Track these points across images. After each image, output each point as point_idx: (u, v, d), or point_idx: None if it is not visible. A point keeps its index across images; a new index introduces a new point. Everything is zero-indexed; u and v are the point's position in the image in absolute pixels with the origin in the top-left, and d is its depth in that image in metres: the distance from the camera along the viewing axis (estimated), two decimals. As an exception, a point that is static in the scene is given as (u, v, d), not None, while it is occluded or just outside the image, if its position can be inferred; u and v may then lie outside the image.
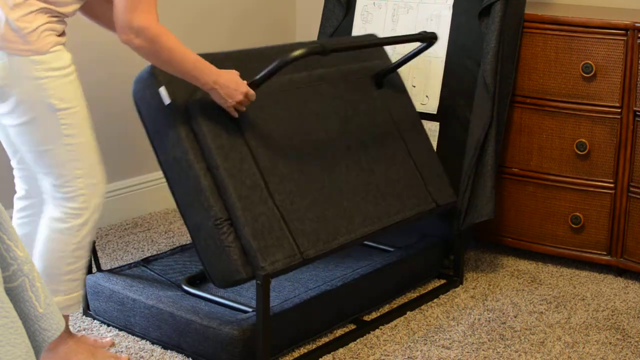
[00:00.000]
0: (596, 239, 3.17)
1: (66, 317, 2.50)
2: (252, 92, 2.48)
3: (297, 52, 2.50)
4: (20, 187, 2.54)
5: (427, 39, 2.95)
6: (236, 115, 2.51)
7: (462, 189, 3.06)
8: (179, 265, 2.91)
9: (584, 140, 3.10)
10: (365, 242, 3.08)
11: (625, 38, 2.98)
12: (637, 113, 3.00)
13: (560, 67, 3.11)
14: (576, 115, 3.11)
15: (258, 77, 2.51)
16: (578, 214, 3.17)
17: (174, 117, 2.45)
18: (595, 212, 3.15)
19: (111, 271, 2.82)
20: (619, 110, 3.04)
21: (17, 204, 2.56)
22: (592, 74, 3.04)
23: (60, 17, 2.30)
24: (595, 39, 3.04)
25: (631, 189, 3.07)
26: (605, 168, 3.09)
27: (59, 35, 2.30)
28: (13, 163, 2.51)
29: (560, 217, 3.21)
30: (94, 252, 2.78)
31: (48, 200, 2.40)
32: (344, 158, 2.77)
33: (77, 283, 2.45)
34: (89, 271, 2.78)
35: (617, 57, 3.00)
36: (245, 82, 2.48)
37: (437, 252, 3.12)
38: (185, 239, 3.45)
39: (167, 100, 2.44)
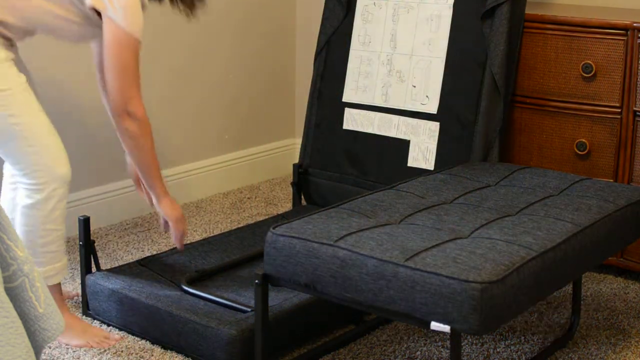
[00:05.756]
0: (596, 239, 3.17)
1: (57, 287, 2.64)
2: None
3: None
4: None
5: None
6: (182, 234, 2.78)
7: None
8: (178, 265, 2.91)
9: (584, 140, 3.10)
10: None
11: (625, 38, 2.98)
12: (637, 113, 3.00)
13: (560, 67, 3.11)
14: (576, 115, 3.11)
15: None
16: (578, 214, 3.17)
17: None
18: (595, 212, 3.15)
19: (111, 271, 2.82)
20: (619, 110, 3.03)
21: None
22: (592, 74, 3.04)
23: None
24: (595, 39, 3.04)
25: (631, 189, 3.07)
26: (605, 168, 3.09)
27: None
28: None
29: (560, 217, 3.21)
30: (93, 252, 2.78)
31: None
32: None
33: (54, 254, 2.60)
34: (89, 271, 2.78)
35: (617, 57, 3.00)
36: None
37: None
38: (185, 239, 3.44)
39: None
